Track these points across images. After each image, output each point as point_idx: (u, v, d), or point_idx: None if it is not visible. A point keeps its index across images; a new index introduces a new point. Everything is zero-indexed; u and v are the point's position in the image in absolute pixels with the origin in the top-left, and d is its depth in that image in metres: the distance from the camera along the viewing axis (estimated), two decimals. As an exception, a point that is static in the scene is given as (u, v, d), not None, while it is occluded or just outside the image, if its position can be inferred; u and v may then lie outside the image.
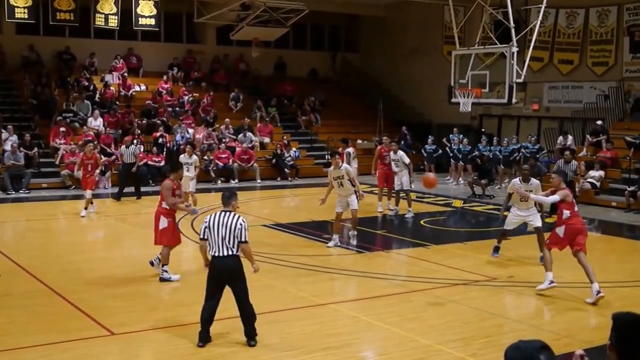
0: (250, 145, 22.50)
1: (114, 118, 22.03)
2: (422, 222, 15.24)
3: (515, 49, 15.03)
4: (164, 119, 22.67)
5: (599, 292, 8.93)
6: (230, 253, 7.18)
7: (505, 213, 11.69)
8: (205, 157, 21.44)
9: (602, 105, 21.28)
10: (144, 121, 22.40)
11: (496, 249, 11.70)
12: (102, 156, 19.84)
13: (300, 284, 9.81)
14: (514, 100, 15.80)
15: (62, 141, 20.18)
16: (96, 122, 21.37)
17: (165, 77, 24.80)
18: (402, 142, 24.57)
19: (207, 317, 7.27)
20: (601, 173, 18.22)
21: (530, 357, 2.83)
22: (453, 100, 16.55)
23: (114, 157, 20.47)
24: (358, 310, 8.58)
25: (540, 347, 2.87)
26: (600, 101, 21.34)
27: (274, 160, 22.58)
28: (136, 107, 23.11)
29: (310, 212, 16.24)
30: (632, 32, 20.64)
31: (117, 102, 23.10)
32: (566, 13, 22.15)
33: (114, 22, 23.12)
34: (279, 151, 22.64)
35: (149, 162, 20.43)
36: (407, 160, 15.61)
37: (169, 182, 10.00)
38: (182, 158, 15.04)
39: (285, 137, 23.52)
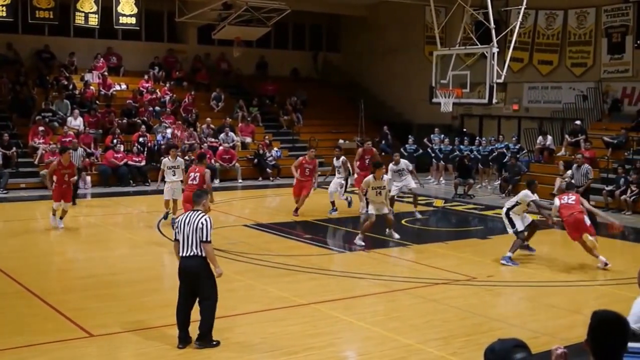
0: (231, 145, 22.44)
1: (94, 118, 21.83)
2: (403, 221, 15.28)
3: (495, 50, 15.15)
4: (145, 118, 22.55)
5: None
6: (194, 253, 7.07)
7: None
8: (187, 157, 21.32)
9: (581, 105, 21.49)
10: (125, 121, 22.26)
11: (527, 247, 11.97)
12: (85, 157, 19.71)
13: (281, 284, 9.80)
14: (494, 101, 15.91)
15: (41, 141, 19.96)
16: (76, 122, 21.17)
17: (146, 77, 24.65)
18: (383, 142, 24.74)
19: (182, 319, 7.19)
20: (580, 173, 18.38)
21: (505, 357, 2.88)
22: (434, 100, 16.66)
23: (93, 157, 20.29)
24: (339, 310, 8.57)
25: (514, 345, 2.92)
26: (579, 102, 21.55)
27: (255, 160, 22.54)
28: (116, 107, 22.94)
29: (291, 212, 16.24)
30: (610, 34, 20.86)
31: (97, 102, 22.90)
32: (545, 14, 22.35)
33: (94, 20, 22.93)
34: (260, 151, 22.60)
35: (130, 162, 20.31)
36: (411, 166, 15.58)
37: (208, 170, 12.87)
38: (167, 162, 14.36)
39: (267, 137, 23.48)
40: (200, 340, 7.17)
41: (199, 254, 7.09)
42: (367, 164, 15.64)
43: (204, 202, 7.38)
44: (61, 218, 13.73)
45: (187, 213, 7.33)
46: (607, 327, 3.25)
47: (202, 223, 7.05)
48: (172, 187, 14.08)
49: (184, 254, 7.12)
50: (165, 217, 14.12)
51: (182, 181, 13.93)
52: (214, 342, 7.21)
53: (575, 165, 15.56)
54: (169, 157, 14.54)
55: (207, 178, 12.83)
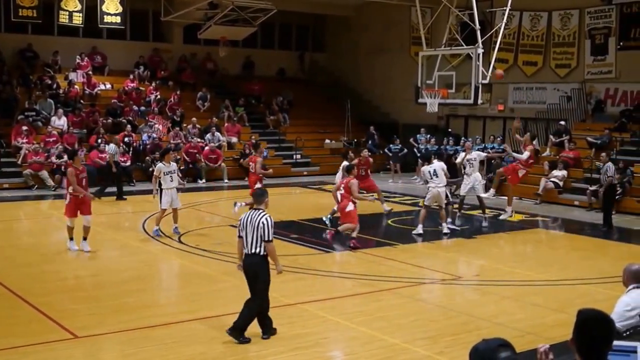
0: (217, 145, 22.38)
1: (79, 117, 21.69)
2: (389, 221, 15.34)
3: (480, 51, 15.20)
4: (130, 118, 22.43)
5: None
6: (254, 252, 7.27)
7: None
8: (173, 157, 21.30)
9: (565, 106, 21.66)
10: (109, 120, 22.13)
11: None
12: (67, 155, 19.58)
13: None
14: (479, 101, 15.96)
15: (25, 140, 19.79)
16: (60, 121, 21.03)
17: (131, 76, 24.52)
18: (370, 142, 24.81)
19: (260, 314, 7.45)
20: (564, 173, 18.55)
21: (490, 357, 2.88)
22: (420, 100, 16.68)
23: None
24: (326, 310, 8.58)
25: (498, 345, 2.92)
26: (563, 102, 21.72)
27: (241, 160, 22.50)
28: (101, 106, 22.80)
29: (278, 212, 16.23)
30: (593, 35, 21.05)
31: (82, 101, 22.76)
32: (530, 16, 22.50)
33: (78, 19, 22.78)
34: (246, 151, 22.56)
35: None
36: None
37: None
38: (162, 167, 13.08)
39: (253, 137, 23.46)
40: (232, 330, 7.31)
41: (259, 252, 7.27)
42: (363, 174, 15.45)
43: (266, 201, 7.55)
44: (85, 239, 11.64)
45: (250, 212, 7.49)
46: (592, 326, 3.28)
47: (262, 223, 7.22)
48: (171, 194, 13.06)
49: (247, 252, 7.34)
50: (156, 233, 12.95)
51: (177, 188, 13.29)
52: (245, 339, 7.33)
53: (601, 166, 15.49)
54: (164, 162, 13.25)
55: (258, 167, 14.53)
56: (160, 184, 13.00)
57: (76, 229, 11.63)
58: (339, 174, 14.50)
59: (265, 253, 7.30)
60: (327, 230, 13.53)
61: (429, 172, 13.48)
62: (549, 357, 3.28)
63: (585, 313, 3.33)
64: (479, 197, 14.85)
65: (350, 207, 12.41)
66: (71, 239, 11.69)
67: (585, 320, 3.30)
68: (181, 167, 21.14)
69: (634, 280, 5.73)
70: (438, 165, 13.54)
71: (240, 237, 7.39)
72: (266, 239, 7.22)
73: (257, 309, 7.41)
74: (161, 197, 12.98)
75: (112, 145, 18.43)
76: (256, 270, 7.33)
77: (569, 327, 3.31)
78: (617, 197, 16.85)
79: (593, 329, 3.27)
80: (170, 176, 13.05)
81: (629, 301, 5.56)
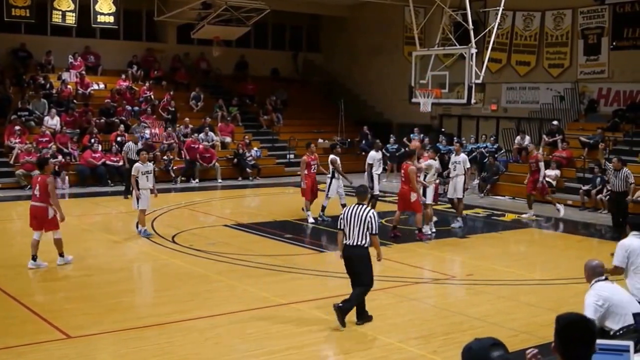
0: (211, 145, 22.37)
1: (71, 117, 21.65)
2: (383, 221, 15.32)
3: (474, 51, 15.31)
4: (123, 117, 22.39)
5: None
6: (358, 243, 7.80)
7: None
8: (165, 157, 21.26)
9: (558, 106, 21.77)
10: (102, 120, 22.09)
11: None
12: (60, 155, 19.56)
13: (262, 284, 9.83)
14: (473, 101, 16.07)
15: (17, 140, 19.75)
16: (53, 121, 20.98)
17: (124, 76, 24.48)
18: (363, 142, 24.84)
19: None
20: (557, 172, 18.63)
21: (484, 356, 2.89)
22: (413, 100, 16.75)
23: (68, 157, 20.13)
24: (320, 309, 8.58)
25: (491, 344, 2.93)
26: (556, 102, 21.83)
27: (235, 159, 22.50)
28: (94, 106, 22.75)
29: (271, 212, 16.25)
30: (586, 35, 21.17)
31: (75, 101, 22.72)
32: (523, 16, 22.61)
33: (71, 19, 22.72)
34: (240, 151, 22.57)
35: (108, 162, 20.16)
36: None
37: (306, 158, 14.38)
38: (140, 167, 12.93)
39: (246, 137, 23.49)
40: (341, 308, 7.78)
41: (363, 243, 7.82)
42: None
43: (368, 197, 8.25)
44: (61, 256, 10.72)
45: (352, 206, 7.98)
46: (573, 330, 3.30)
47: (370, 217, 7.81)
48: (148, 195, 12.88)
49: (349, 243, 7.86)
50: (146, 234, 12.93)
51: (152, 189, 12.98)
52: (369, 316, 7.99)
53: (612, 170, 14.00)
54: (140, 161, 13.11)
55: (302, 165, 14.96)
56: (137, 184, 12.77)
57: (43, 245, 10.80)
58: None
59: (368, 244, 7.84)
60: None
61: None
62: (537, 358, 3.33)
63: (565, 318, 3.36)
64: (458, 199, 14.77)
65: (413, 196, 12.66)
66: (35, 257, 10.51)
67: (565, 326, 3.32)
68: (175, 167, 21.20)
69: (594, 274, 5.98)
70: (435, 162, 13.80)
71: (341, 229, 7.97)
72: (372, 232, 7.82)
73: (365, 293, 7.95)
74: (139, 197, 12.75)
75: (130, 143, 18.34)
76: (360, 260, 7.86)
77: (564, 327, 3.33)
78: (608, 196, 16.94)
79: (574, 333, 3.29)
80: (147, 176, 12.89)
81: (594, 294, 5.82)
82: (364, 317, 8.02)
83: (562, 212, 15.86)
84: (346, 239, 7.92)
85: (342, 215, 8.00)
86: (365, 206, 7.97)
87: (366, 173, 15.43)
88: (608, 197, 15.07)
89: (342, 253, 8.04)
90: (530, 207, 15.99)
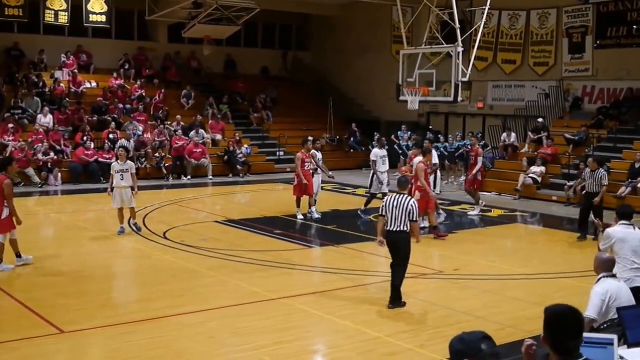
0: (202, 142, 22.54)
1: (64, 115, 21.77)
2: (371, 217, 15.50)
3: (460, 49, 15.35)
4: (115, 115, 22.51)
5: None
6: (400, 229, 8.46)
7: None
8: (157, 155, 21.42)
9: (543, 103, 21.97)
10: (95, 118, 22.21)
11: None
12: (53, 153, 19.68)
13: (253, 279, 9.87)
14: (459, 99, 16.09)
15: (11, 138, 19.84)
16: (46, 119, 21.10)
17: (116, 74, 24.58)
18: (352, 139, 25.06)
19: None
20: (542, 169, 18.82)
21: (474, 347, 2.98)
22: (401, 98, 16.80)
23: (60, 155, 20.23)
24: (309, 304, 8.67)
25: (482, 337, 3.02)
26: (541, 100, 22.03)
27: (226, 157, 22.65)
28: (87, 104, 22.86)
29: (261, 208, 16.34)
30: (571, 34, 21.38)
31: (68, 99, 22.80)
32: (509, 15, 22.79)
33: (64, 18, 22.82)
34: (231, 148, 22.72)
35: (100, 159, 20.29)
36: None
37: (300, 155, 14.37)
38: (116, 165, 12.77)
39: (237, 134, 23.62)
40: (392, 301, 8.58)
41: (404, 229, 8.48)
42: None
43: (409, 188, 9.15)
44: (19, 256, 10.42)
45: (394, 195, 8.61)
46: (561, 321, 3.35)
47: (411, 206, 8.51)
48: (121, 193, 12.65)
49: (391, 229, 8.52)
50: (121, 231, 12.82)
51: (132, 188, 12.71)
52: (403, 302, 8.61)
53: (588, 171, 13.38)
54: (119, 160, 12.95)
55: (296, 162, 14.78)
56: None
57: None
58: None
59: (408, 230, 8.49)
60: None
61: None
62: (532, 349, 3.47)
63: (552, 310, 3.40)
64: None
65: (417, 195, 12.54)
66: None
67: (553, 317, 3.37)
68: (167, 164, 21.35)
69: (604, 269, 5.92)
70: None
71: (382, 216, 8.60)
72: (413, 219, 8.53)
73: (405, 272, 8.66)
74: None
75: (123, 141, 18.60)
76: (401, 244, 8.56)
77: (549, 321, 3.39)
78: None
79: (562, 324, 3.33)
80: (122, 175, 12.62)
81: (600, 291, 5.74)
82: (397, 302, 8.64)
83: (475, 211, 15.64)
84: (388, 226, 8.55)
85: (384, 204, 8.64)
86: (406, 195, 8.62)
87: (371, 171, 15.30)
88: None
89: (387, 238, 8.64)
90: (477, 203, 15.85)
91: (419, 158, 13.56)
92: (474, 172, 15.63)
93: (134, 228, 13.06)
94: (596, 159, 13.80)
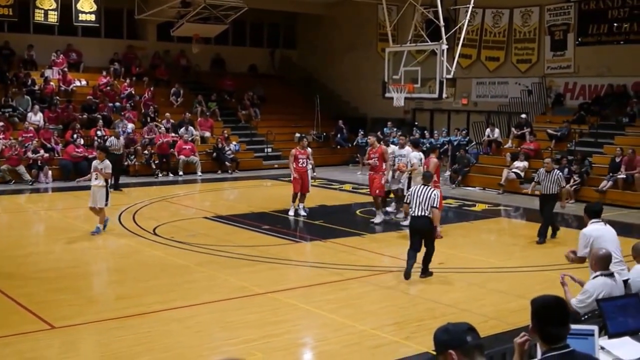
0: (190, 139, 22.68)
1: (54, 113, 21.87)
2: (358, 212, 15.66)
3: (445, 47, 15.51)
4: (105, 113, 22.61)
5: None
6: (424, 214, 9.60)
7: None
8: (146, 152, 21.55)
9: (526, 100, 22.24)
10: (85, 116, 22.29)
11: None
12: (43, 150, 19.76)
13: (241, 274, 9.95)
14: (444, 95, 16.23)
15: (1, 136, 19.93)
16: (36, 117, 21.20)
17: (104, 72, 24.66)
18: (339, 136, 25.28)
19: (411, 261, 9.66)
20: (525, 164, 19.03)
21: (459, 338, 3.00)
22: (387, 95, 16.91)
23: (51, 152, 20.30)
24: (297, 298, 8.76)
25: (467, 328, 3.05)
26: (524, 96, 22.30)
27: (214, 153, 22.80)
28: (77, 102, 22.96)
29: (250, 204, 16.46)
30: (553, 32, 21.65)
31: (58, 97, 22.87)
32: (492, 13, 23.02)
33: (53, 17, 22.90)
34: (219, 145, 22.88)
35: (90, 157, 20.35)
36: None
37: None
38: (95, 164, 12.61)
39: (225, 131, 23.76)
40: (423, 273, 9.83)
41: (427, 215, 9.59)
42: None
43: (432, 181, 10.31)
44: None
45: (419, 186, 9.85)
46: (548, 311, 3.43)
47: (434, 195, 9.72)
48: (93, 192, 12.42)
49: (416, 215, 9.69)
50: (94, 230, 12.55)
51: (107, 185, 12.54)
52: (430, 272, 9.87)
53: (543, 171, 12.62)
54: (97, 160, 12.75)
55: (290, 158, 14.89)
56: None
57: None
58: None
59: (430, 215, 9.58)
60: None
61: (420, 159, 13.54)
62: (523, 338, 3.58)
63: (539, 301, 3.48)
64: (399, 190, 14.27)
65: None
66: None
67: (539, 307, 3.45)
68: (156, 161, 21.47)
69: (600, 266, 5.90)
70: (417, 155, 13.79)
71: (407, 203, 9.96)
72: (435, 205, 9.63)
73: (433, 253, 9.81)
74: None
75: (112, 138, 18.66)
76: (425, 228, 9.66)
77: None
78: (574, 187, 17.48)
79: (549, 314, 3.41)
80: (96, 174, 12.40)
81: (590, 289, 5.82)
82: (427, 272, 9.87)
83: (378, 219, 14.10)
84: (413, 212, 9.73)
85: (409, 193, 10.00)
86: (430, 187, 9.81)
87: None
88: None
89: (411, 223, 9.96)
90: (378, 208, 14.21)
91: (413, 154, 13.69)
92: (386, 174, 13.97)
93: (98, 229, 12.58)
94: (553, 158, 13.39)
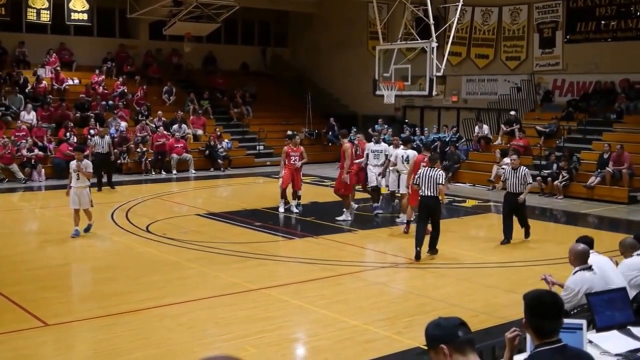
0: (183, 137, 22.75)
1: (47, 112, 21.91)
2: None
3: (435, 45, 15.63)
4: (98, 112, 22.66)
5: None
6: (432, 194, 10.61)
7: None
8: (139, 150, 21.61)
9: (515, 97, 22.36)
10: (78, 114, 22.34)
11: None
12: (36, 149, 19.81)
13: (232, 270, 10.02)
14: (434, 93, 16.35)
15: (-6, 135, 19.98)
16: (29, 116, 21.24)
17: (97, 71, 24.70)
18: (330, 133, 25.40)
19: (420, 238, 10.69)
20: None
21: (451, 333, 3.00)
22: (377, 92, 16.98)
23: (44, 151, 20.35)
24: (289, 294, 8.82)
25: (458, 323, 3.05)
26: (513, 93, 22.43)
27: (207, 151, 22.89)
28: (70, 101, 23.00)
29: (242, 201, 16.53)
30: (541, 29, 21.81)
31: (50, 96, 22.90)
32: (481, 11, 23.16)
33: (45, 16, 22.95)
34: (211, 143, 22.97)
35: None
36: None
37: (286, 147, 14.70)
38: (73, 164, 12.15)
39: (217, 129, 23.85)
40: (431, 249, 10.88)
41: (434, 194, 10.60)
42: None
43: (438, 163, 11.21)
44: None
45: (427, 169, 10.77)
46: (540, 305, 3.46)
47: (440, 175, 10.70)
48: (77, 193, 11.97)
49: (425, 194, 10.67)
50: (75, 234, 12.12)
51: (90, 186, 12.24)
52: (436, 250, 10.90)
53: (509, 169, 12.28)
54: (75, 160, 12.20)
55: (282, 155, 14.97)
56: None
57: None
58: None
59: (437, 195, 10.59)
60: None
61: (402, 156, 13.53)
62: (513, 333, 3.65)
63: (531, 295, 3.51)
64: (377, 187, 14.46)
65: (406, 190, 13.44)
66: None
67: (532, 301, 3.48)
68: (148, 159, 21.53)
69: (579, 261, 5.94)
70: (412, 152, 13.64)
71: (416, 184, 10.93)
72: (440, 182, 10.59)
73: (440, 229, 10.92)
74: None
75: (96, 138, 18.67)
76: (433, 207, 10.73)
77: (521, 307, 3.54)
78: (563, 183, 17.65)
79: (542, 308, 3.44)
80: (77, 174, 11.97)
81: (571, 285, 5.88)
82: (434, 250, 10.90)
83: (343, 217, 13.97)
84: (422, 192, 10.69)
85: (418, 175, 10.89)
86: (436, 169, 10.73)
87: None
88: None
89: (420, 202, 10.90)
90: (347, 208, 14.08)
91: (412, 152, 13.67)
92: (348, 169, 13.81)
93: (85, 230, 12.32)
94: (519, 155, 12.91)
